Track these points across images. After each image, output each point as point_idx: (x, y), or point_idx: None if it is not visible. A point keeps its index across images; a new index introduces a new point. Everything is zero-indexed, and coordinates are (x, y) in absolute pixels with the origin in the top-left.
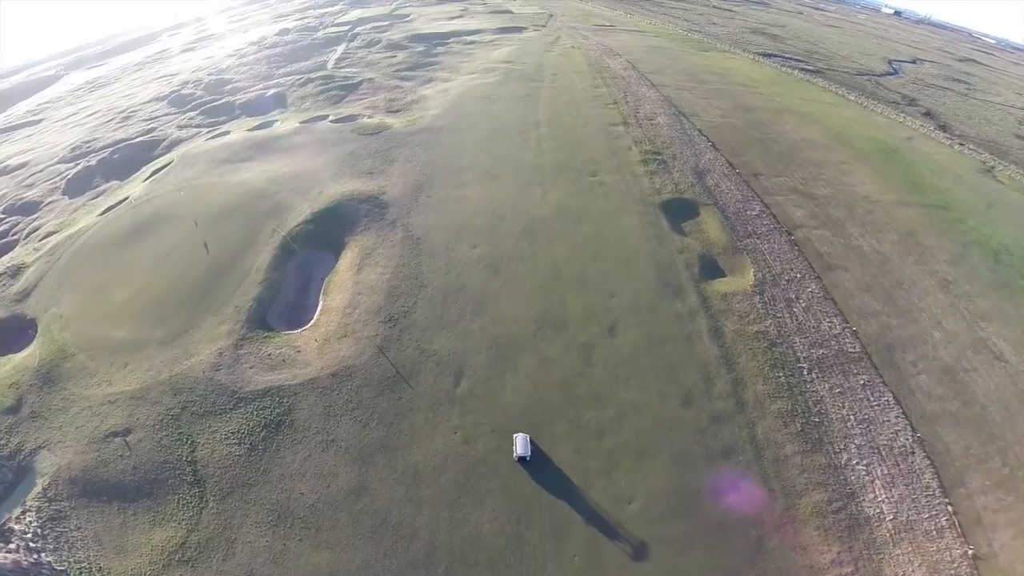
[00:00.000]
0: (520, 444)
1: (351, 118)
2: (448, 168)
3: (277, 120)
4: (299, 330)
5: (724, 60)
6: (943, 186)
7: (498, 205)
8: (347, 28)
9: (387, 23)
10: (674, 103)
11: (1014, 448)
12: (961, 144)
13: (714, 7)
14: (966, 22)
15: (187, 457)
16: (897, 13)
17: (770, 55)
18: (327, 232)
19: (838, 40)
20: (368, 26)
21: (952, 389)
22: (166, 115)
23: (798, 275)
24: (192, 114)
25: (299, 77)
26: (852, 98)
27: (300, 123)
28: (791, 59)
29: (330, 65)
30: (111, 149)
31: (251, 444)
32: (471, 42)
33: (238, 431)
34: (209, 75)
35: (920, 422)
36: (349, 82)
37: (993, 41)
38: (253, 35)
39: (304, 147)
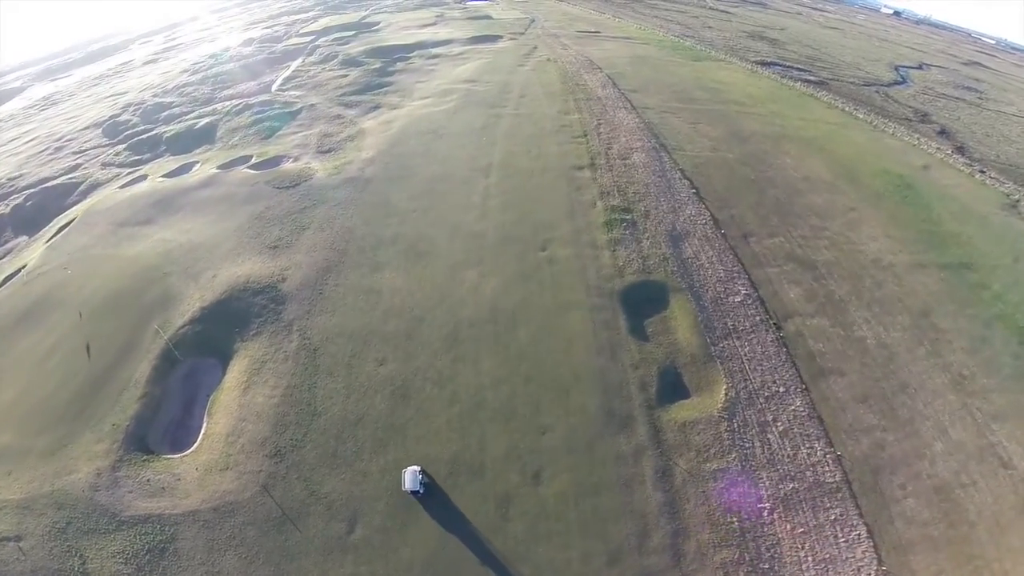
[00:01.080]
0: (408, 478)
1: (274, 162)
2: (366, 241)
3: (197, 162)
4: (180, 455)
5: (718, 71)
6: (965, 234)
7: (419, 301)
8: (310, 39)
9: (352, 33)
10: (656, 132)
11: (993, 566)
12: (982, 172)
13: (710, 8)
14: (964, 22)
15: (79, 568)
16: (896, 13)
17: (770, 64)
18: (215, 335)
19: (841, 44)
20: (332, 36)
21: (941, 510)
22: (96, 148)
23: (781, 388)
24: (120, 148)
25: (238, 103)
26: (861, 116)
27: (218, 167)
28: (792, 68)
29: (275, 87)
30: (29, 192)
31: (137, 565)
32: (436, 56)
33: (123, 552)
34: (154, 96)
35: (890, 553)
36: (287, 110)
37: (992, 41)
38: (216, 46)
39: (210, 205)
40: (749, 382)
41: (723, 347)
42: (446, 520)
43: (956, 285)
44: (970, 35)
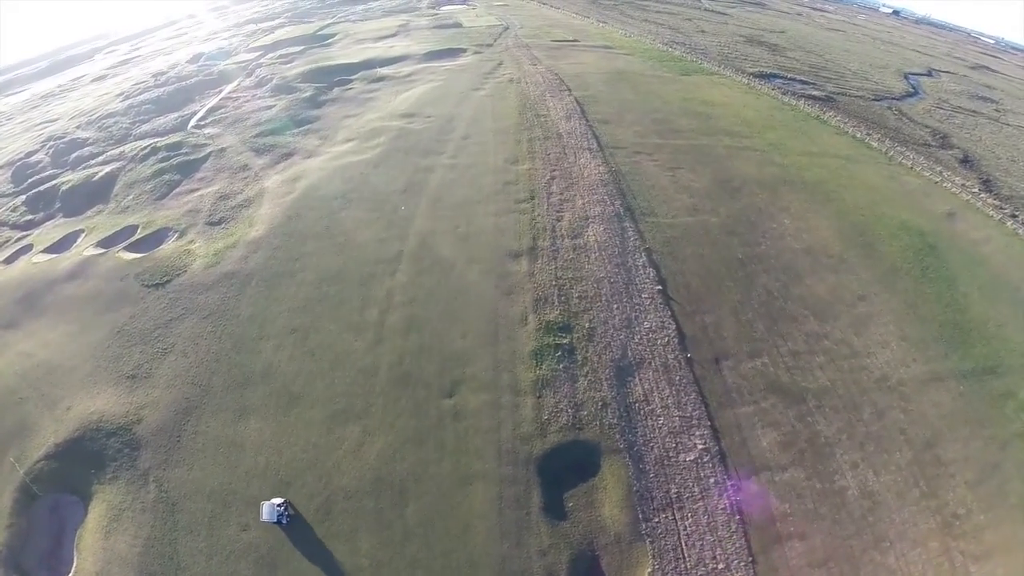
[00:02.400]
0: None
1: (156, 238)
2: (232, 375)
3: (83, 230)
4: None
5: (710, 89)
6: (994, 320)
7: (287, 462)
8: (255, 56)
9: (300, 49)
10: (623, 187)
11: None
12: (1014, 216)
13: (705, 10)
14: (961, 21)
15: None
16: (895, 12)
17: (769, 76)
18: (73, 473)
19: (844, 48)
20: (278, 53)
21: None
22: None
23: (721, 565)
24: (20, 201)
25: (148, 144)
26: (875, 144)
27: (97, 244)
28: (795, 80)
29: (194, 121)
30: None
31: None
32: (381, 79)
33: None
34: (77, 127)
35: None
36: (194, 157)
37: (992, 41)
38: (165, 62)
39: (75, 308)
40: (682, 561)
41: (658, 522)
42: None
43: (975, 400)
44: (969, 34)
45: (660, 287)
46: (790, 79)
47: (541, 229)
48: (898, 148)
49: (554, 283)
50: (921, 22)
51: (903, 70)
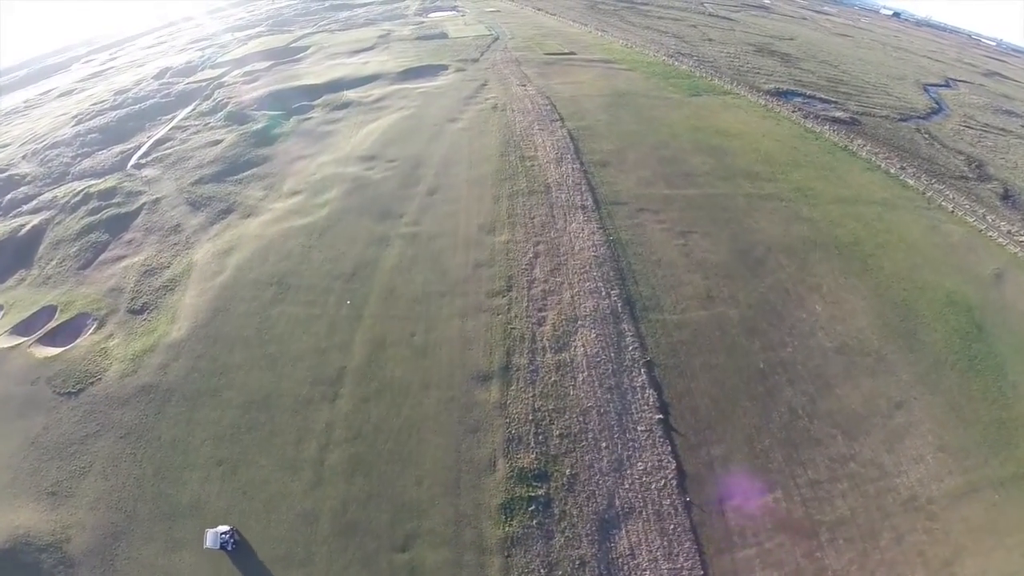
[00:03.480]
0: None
1: (73, 328)
2: (159, 505)
3: (0, 307)
4: None
5: (724, 113)
6: None
7: None
8: (219, 73)
9: (268, 65)
10: (623, 264)
11: None
12: None
13: (710, 15)
14: (960, 22)
15: None
16: (896, 14)
17: (787, 93)
18: None
19: (856, 56)
20: (244, 70)
21: None
22: None
23: None
24: None
25: (83, 187)
26: (911, 182)
27: (9, 333)
28: (815, 98)
29: (134, 159)
30: None
31: None
32: (346, 104)
33: None
34: (23, 157)
35: None
36: (127, 207)
37: (993, 43)
38: (134, 76)
39: None
40: None
41: None
42: None
43: (1008, 508)
44: (970, 36)
45: (661, 416)
46: (809, 97)
47: (518, 339)
48: (935, 185)
49: (531, 417)
50: (922, 24)
51: (921, 81)
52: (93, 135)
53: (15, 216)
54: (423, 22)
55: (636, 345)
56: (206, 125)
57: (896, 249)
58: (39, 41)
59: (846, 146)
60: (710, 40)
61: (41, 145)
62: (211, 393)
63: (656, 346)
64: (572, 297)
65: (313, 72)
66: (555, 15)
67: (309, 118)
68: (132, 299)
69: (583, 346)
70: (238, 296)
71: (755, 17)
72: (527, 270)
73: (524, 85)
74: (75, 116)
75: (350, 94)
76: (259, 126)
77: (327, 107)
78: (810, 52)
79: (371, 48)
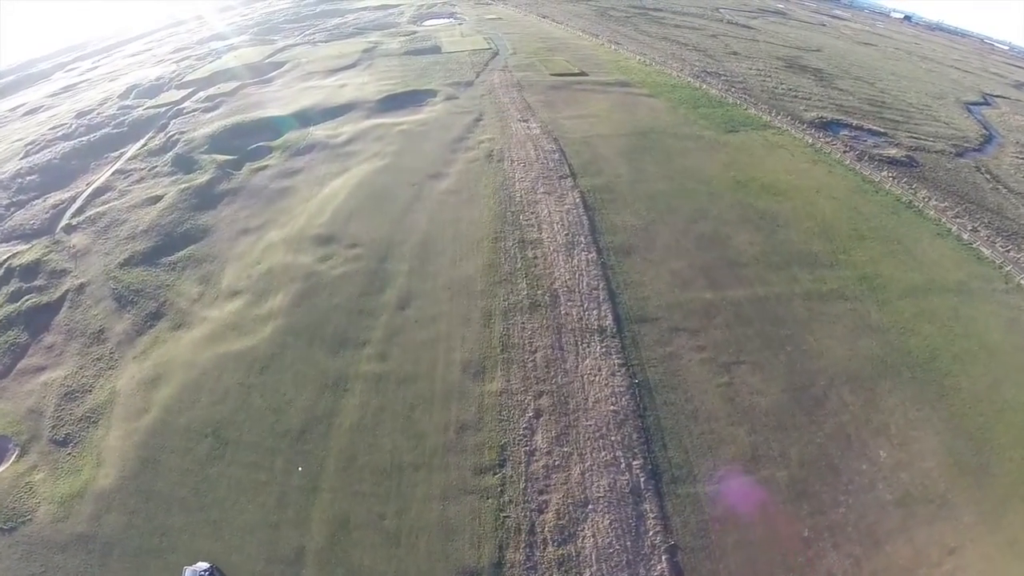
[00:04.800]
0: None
1: None
2: None
3: None
4: None
5: (768, 158)
6: None
7: None
8: (182, 96)
9: (233, 87)
10: (650, 420)
11: None
12: None
13: (728, 22)
14: (969, 24)
15: None
16: (907, 18)
17: (832, 124)
18: None
19: (888, 70)
20: (207, 93)
21: None
22: None
23: None
24: None
25: (5, 255)
26: (986, 252)
27: None
28: (862, 129)
29: (66, 217)
30: None
31: None
32: (309, 148)
33: None
34: None
35: None
36: (49, 295)
37: (1006, 47)
38: (102, 93)
39: None
40: None
41: None
42: None
43: None
44: (982, 41)
45: None
46: (856, 128)
47: (513, 530)
48: (1011, 254)
49: None
50: (935, 29)
51: (960, 98)
52: (33, 177)
53: None
54: (416, 32)
55: (659, 528)
56: (151, 170)
57: (975, 361)
58: (37, 42)
59: (910, 201)
60: (735, 54)
61: None
62: (154, 553)
63: (683, 526)
64: (582, 474)
65: (281, 98)
66: (562, 24)
67: (266, 165)
68: (54, 427)
69: (593, 536)
70: (168, 447)
71: (774, 24)
72: (526, 436)
73: (526, 120)
74: (28, 144)
75: (317, 132)
76: (205, 178)
77: (287, 150)
78: (842, 67)
79: (352, 66)
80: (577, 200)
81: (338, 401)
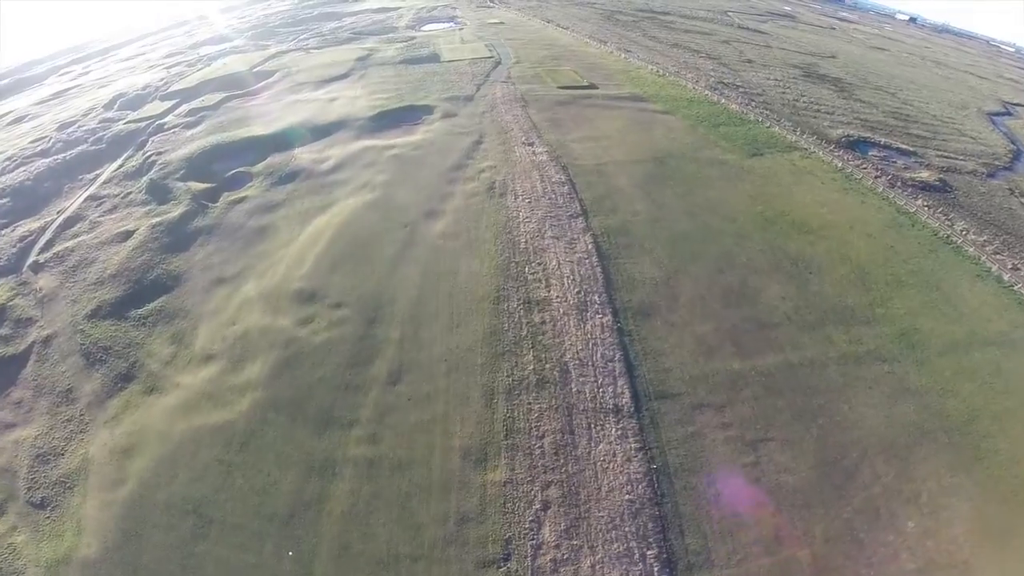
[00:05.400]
0: None
1: None
2: None
3: None
4: None
5: (796, 188)
6: None
7: None
8: (164, 110)
9: (218, 99)
10: (669, 509)
11: None
12: None
13: (739, 26)
14: (974, 27)
15: None
16: (912, 20)
17: (859, 143)
18: None
19: (907, 78)
20: (191, 106)
21: None
22: None
23: None
24: None
25: None
26: None
27: None
28: (891, 148)
29: (34, 253)
30: None
31: None
32: (292, 176)
33: None
34: None
35: None
36: (15, 346)
37: (1012, 49)
38: (89, 101)
39: None
40: None
41: None
42: None
43: None
44: (989, 43)
45: None
46: (885, 147)
47: None
48: None
49: None
50: (941, 31)
51: (983, 108)
52: (4, 201)
53: None
54: (414, 38)
55: None
56: (124, 197)
57: (1015, 421)
58: (38, 42)
59: (947, 236)
60: (750, 62)
61: None
62: None
63: None
64: (592, 567)
65: (266, 114)
66: (568, 29)
67: (242, 198)
68: (29, 489)
69: None
70: (150, 521)
71: (784, 28)
72: (532, 529)
73: (532, 143)
74: (5, 160)
75: (302, 155)
76: (178, 212)
77: (268, 177)
78: (860, 75)
79: (345, 76)
80: (590, 246)
81: (327, 486)
